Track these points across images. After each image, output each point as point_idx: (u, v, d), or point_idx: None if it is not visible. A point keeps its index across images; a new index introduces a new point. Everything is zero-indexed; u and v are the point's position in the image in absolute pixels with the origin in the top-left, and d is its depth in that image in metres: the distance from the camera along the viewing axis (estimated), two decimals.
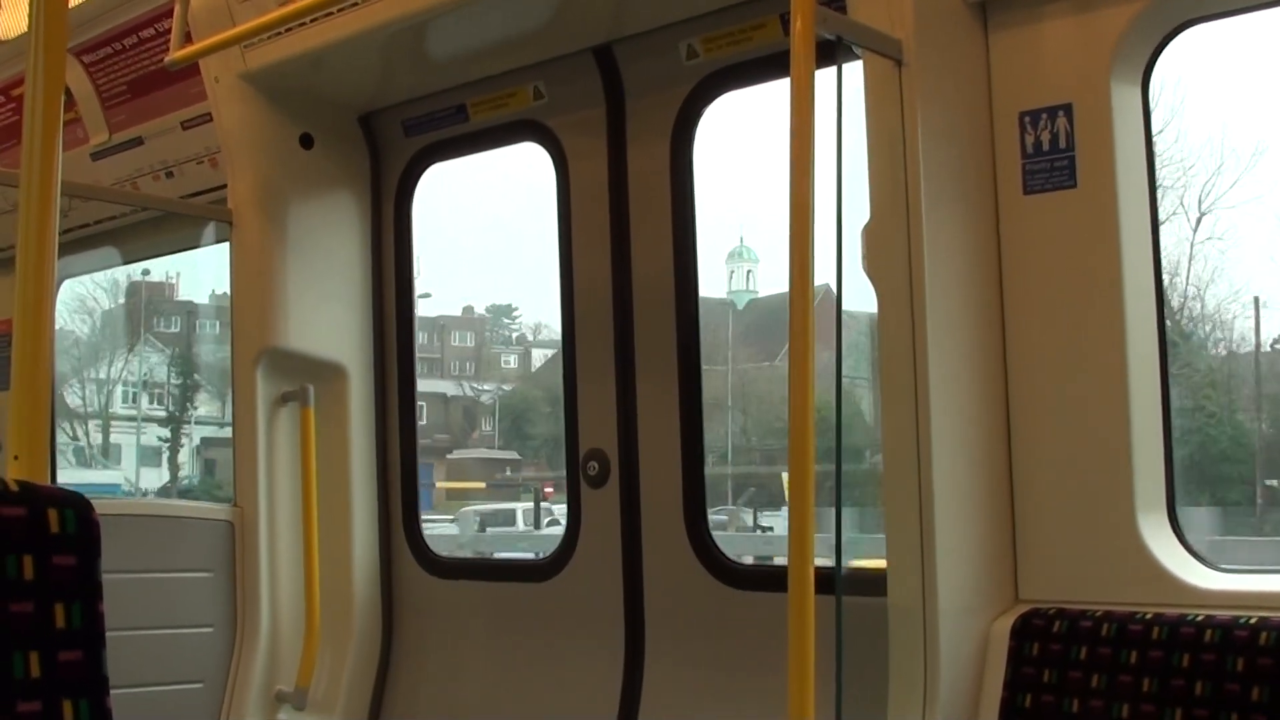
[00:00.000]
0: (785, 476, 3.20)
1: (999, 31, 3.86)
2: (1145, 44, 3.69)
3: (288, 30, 4.94)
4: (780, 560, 6.72)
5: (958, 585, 3.59)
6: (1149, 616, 3.38)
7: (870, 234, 3.67)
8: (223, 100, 5.39)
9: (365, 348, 5.69)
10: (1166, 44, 3.72)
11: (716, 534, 4.89)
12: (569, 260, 5.19)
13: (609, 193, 5.04)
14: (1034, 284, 3.77)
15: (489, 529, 22.30)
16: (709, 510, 5.01)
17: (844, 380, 3.61)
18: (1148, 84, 3.74)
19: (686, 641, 4.81)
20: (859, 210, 3.66)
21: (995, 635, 3.64)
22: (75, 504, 2.15)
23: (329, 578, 5.48)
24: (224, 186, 5.55)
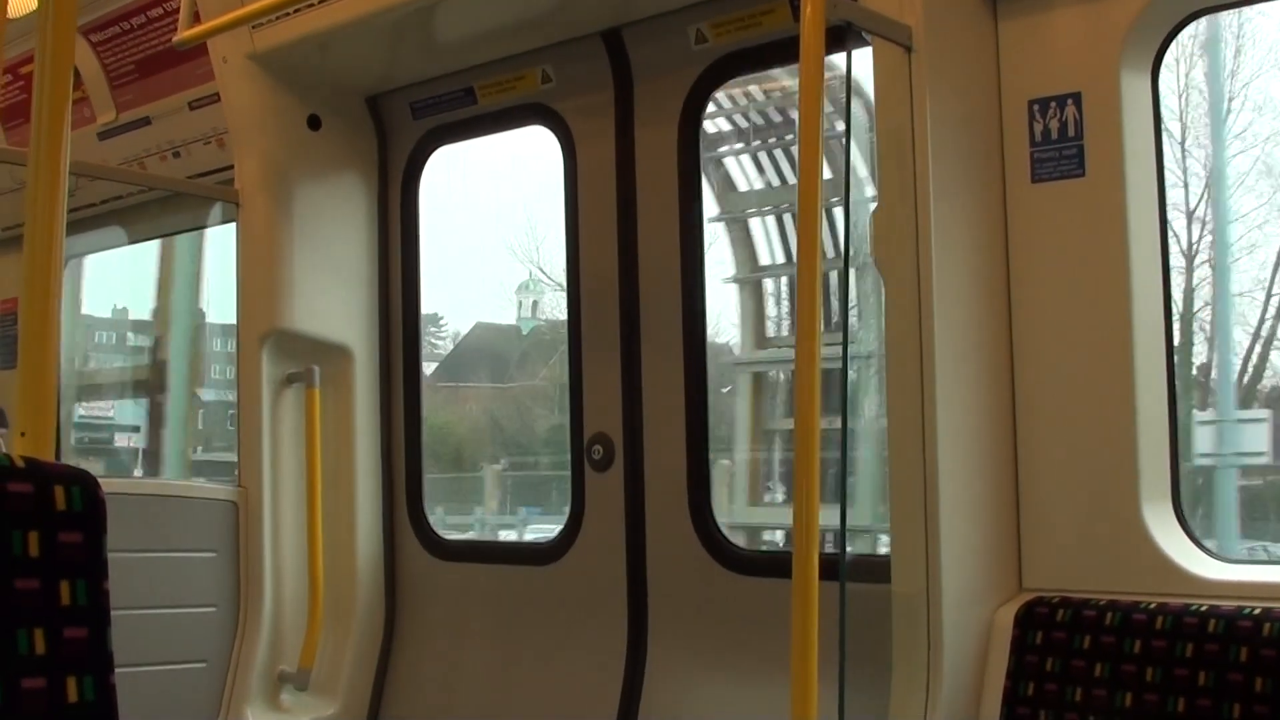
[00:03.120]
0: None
1: (1009, 19, 3.85)
2: (1155, 33, 3.68)
3: (296, 11, 4.93)
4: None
5: (962, 573, 3.59)
6: (1153, 606, 3.38)
7: (878, 221, 3.67)
8: (230, 81, 5.38)
9: (371, 330, 5.69)
10: (1177, 33, 3.71)
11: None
12: (575, 244, 5.18)
13: (616, 177, 5.03)
14: (1041, 272, 3.77)
15: None
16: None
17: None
18: (1157, 73, 3.74)
19: (690, 626, 4.82)
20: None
21: (999, 623, 3.64)
22: (82, 481, 2.14)
23: (332, 559, 5.49)
24: (231, 167, 5.55)
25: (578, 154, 5.18)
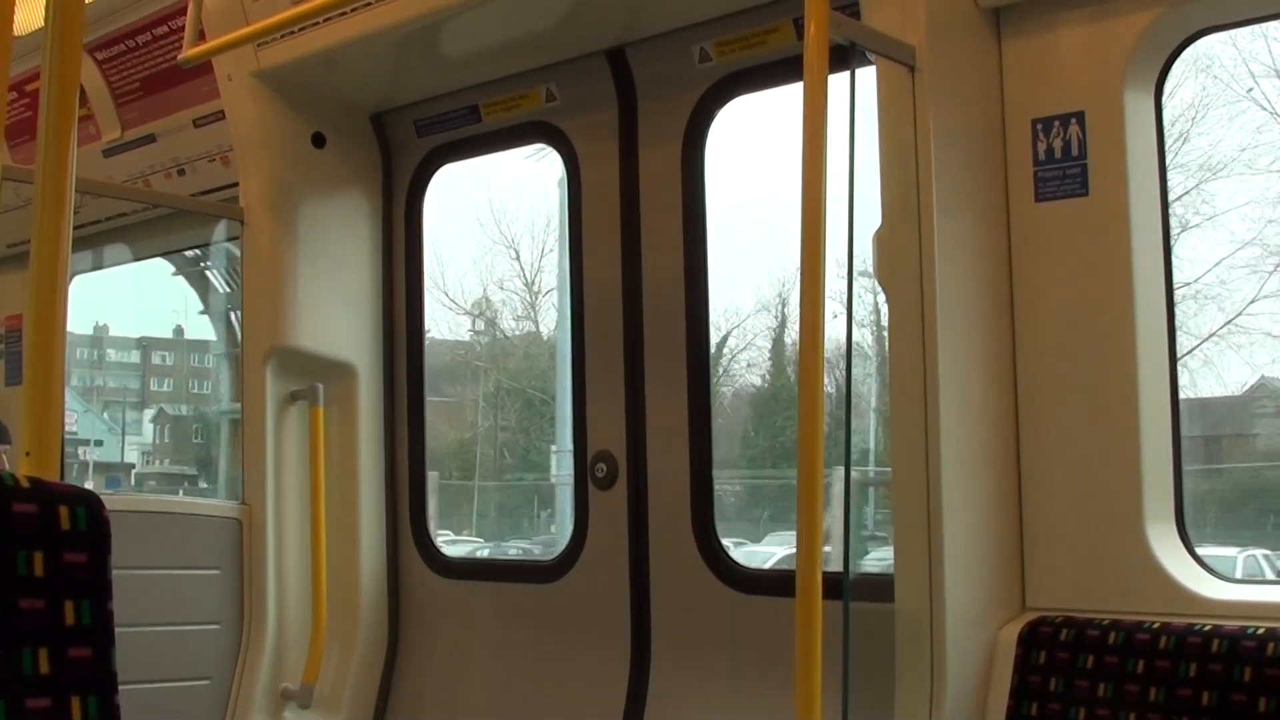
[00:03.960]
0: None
1: (1012, 39, 3.85)
2: (1158, 53, 3.69)
3: (301, 29, 4.95)
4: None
5: (965, 592, 3.59)
6: (1156, 626, 3.38)
7: (881, 240, 3.67)
8: (235, 98, 5.40)
9: (375, 347, 5.69)
10: (1180, 53, 3.72)
11: None
12: (579, 262, 5.19)
13: (620, 195, 5.04)
14: (1045, 292, 3.77)
15: None
16: None
17: None
18: (1160, 92, 3.74)
19: (692, 645, 4.81)
20: (870, 216, 3.66)
21: (1002, 643, 3.63)
22: (86, 501, 2.14)
23: (336, 576, 5.49)
24: (235, 184, 5.56)
25: (581, 172, 5.19)
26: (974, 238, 3.75)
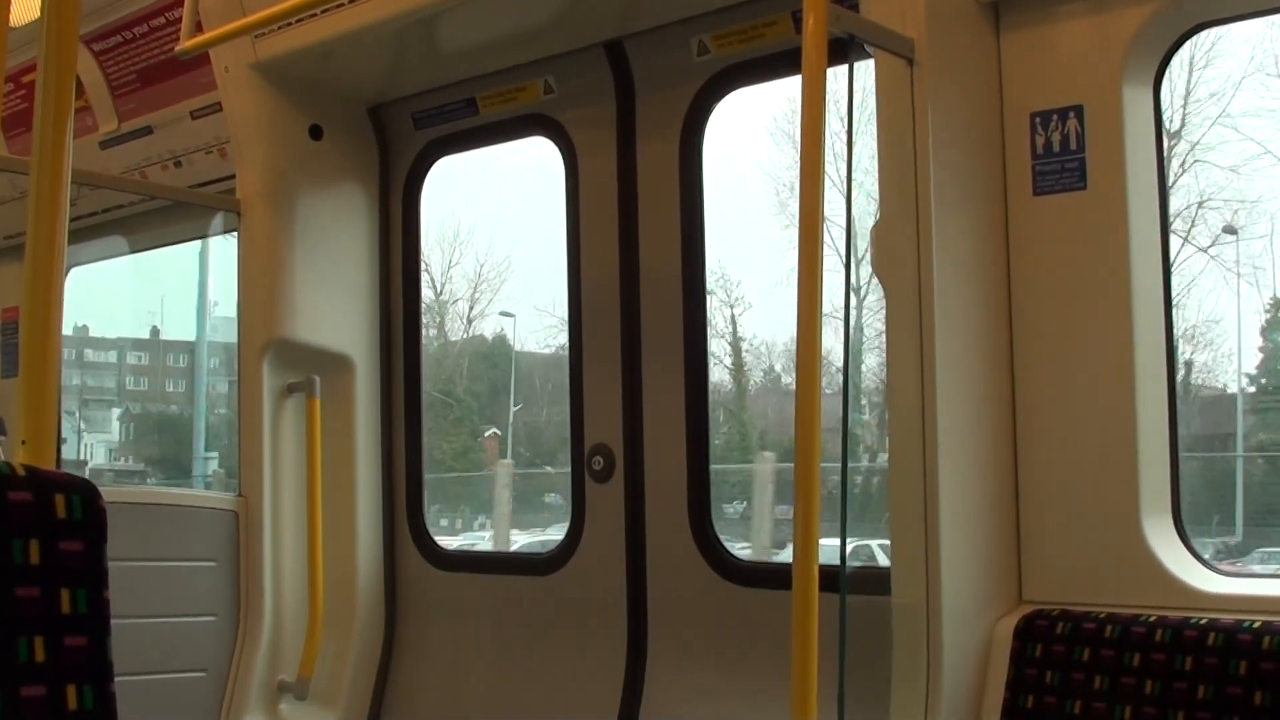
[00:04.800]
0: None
1: (1011, 32, 3.85)
2: (1157, 46, 3.68)
3: (298, 21, 4.94)
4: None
5: (962, 585, 3.59)
6: (1152, 619, 3.38)
7: (879, 233, 3.67)
8: (232, 90, 5.39)
9: (372, 340, 5.69)
10: (1179, 46, 3.72)
11: None
12: (576, 255, 5.19)
13: (618, 188, 5.04)
14: (1042, 285, 3.77)
15: None
16: None
17: None
18: (1159, 86, 3.74)
19: (689, 637, 4.81)
20: (868, 209, 3.66)
21: (999, 636, 3.64)
22: (82, 490, 2.15)
23: (332, 568, 5.49)
24: (233, 176, 5.55)
25: (579, 165, 5.18)
26: (972, 231, 3.75)
